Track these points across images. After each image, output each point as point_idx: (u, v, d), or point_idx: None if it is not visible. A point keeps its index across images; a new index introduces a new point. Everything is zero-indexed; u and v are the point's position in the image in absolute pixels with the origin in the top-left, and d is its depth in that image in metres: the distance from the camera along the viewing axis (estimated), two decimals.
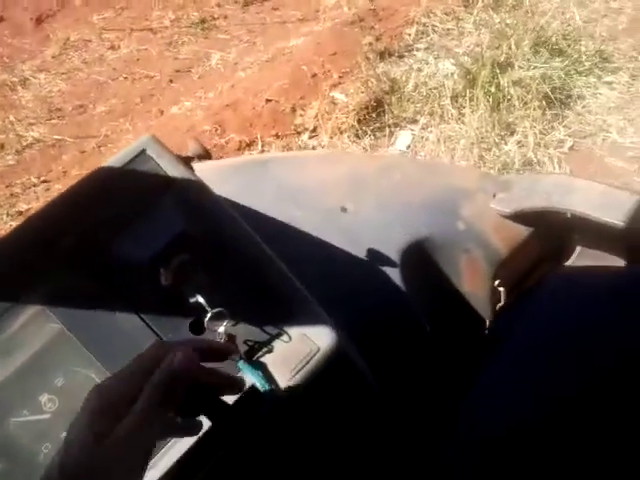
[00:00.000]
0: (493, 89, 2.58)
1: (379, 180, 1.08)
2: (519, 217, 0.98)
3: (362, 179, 1.08)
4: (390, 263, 0.96)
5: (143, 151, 0.74)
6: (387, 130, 2.67)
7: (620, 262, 0.97)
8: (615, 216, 0.85)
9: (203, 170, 0.87)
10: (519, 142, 2.47)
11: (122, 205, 0.72)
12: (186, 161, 0.79)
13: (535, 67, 2.64)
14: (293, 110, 2.84)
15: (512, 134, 2.50)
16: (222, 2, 3.97)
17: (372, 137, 2.66)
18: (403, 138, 2.64)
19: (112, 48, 3.71)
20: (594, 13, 3.04)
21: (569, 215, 0.91)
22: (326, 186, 1.06)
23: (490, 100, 2.57)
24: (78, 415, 0.52)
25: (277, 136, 2.77)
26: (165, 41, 3.71)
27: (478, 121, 2.51)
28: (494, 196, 1.01)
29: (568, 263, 0.97)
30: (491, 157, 2.43)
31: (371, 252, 0.96)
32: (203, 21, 3.79)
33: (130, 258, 0.69)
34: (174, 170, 0.74)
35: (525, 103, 2.54)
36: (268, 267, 0.73)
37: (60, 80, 3.46)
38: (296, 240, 0.97)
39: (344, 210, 1.03)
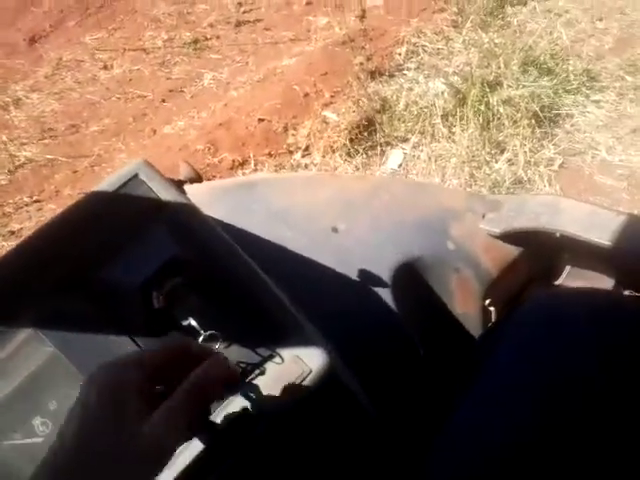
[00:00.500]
0: (483, 108, 2.61)
1: (369, 201, 1.08)
2: (508, 237, 0.99)
3: (352, 200, 1.08)
4: (382, 283, 0.96)
5: (136, 175, 0.75)
6: (379, 149, 2.70)
7: (609, 281, 0.98)
8: (602, 236, 0.86)
9: (194, 193, 0.88)
10: (509, 160, 2.50)
11: (115, 229, 0.72)
12: (178, 184, 0.80)
13: (524, 86, 2.68)
14: (285, 129, 2.87)
15: (502, 152, 2.53)
16: (214, 23, 4.01)
17: (364, 156, 2.68)
18: (395, 157, 2.66)
19: (105, 68, 3.73)
20: (581, 33, 3.09)
21: (558, 235, 0.92)
22: (317, 207, 1.07)
23: (480, 119, 2.60)
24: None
25: (270, 155, 2.79)
26: (158, 61, 3.73)
27: (468, 139, 2.54)
28: (483, 216, 1.02)
29: (557, 282, 0.98)
30: (482, 175, 2.45)
31: (363, 272, 0.96)
32: (196, 41, 3.83)
33: (123, 282, 0.70)
34: (166, 194, 0.74)
35: (515, 122, 2.57)
36: (260, 289, 0.73)
37: (53, 100, 3.47)
38: (287, 261, 0.97)
39: (335, 230, 1.02)
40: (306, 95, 3.06)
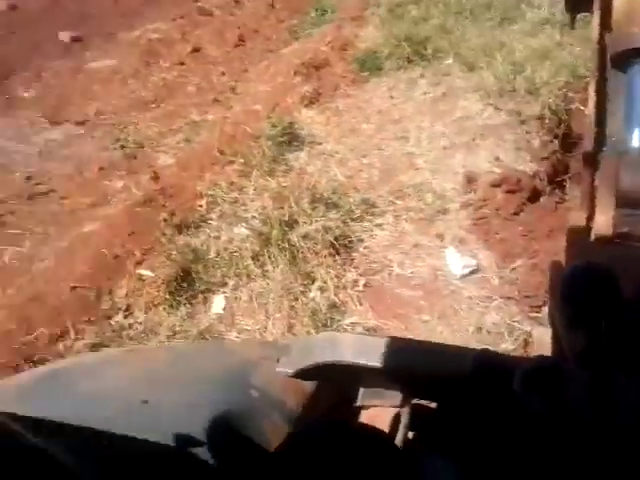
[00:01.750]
0: (286, 245, 2.85)
1: (174, 369, 1.16)
2: (302, 375, 1.11)
3: (158, 370, 1.16)
4: (198, 443, 1.00)
5: None
6: (200, 296, 2.79)
7: (398, 395, 1.13)
8: (370, 359, 1.04)
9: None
10: (321, 288, 2.72)
11: None
12: None
13: (316, 220, 2.99)
14: (100, 294, 2.84)
15: (313, 282, 2.75)
16: (5, 198, 3.84)
17: (187, 305, 2.75)
18: (218, 302, 2.77)
19: None
20: (352, 170, 3.57)
21: (340, 365, 1.07)
22: (124, 384, 1.11)
23: (286, 255, 2.83)
24: None
25: (89, 321, 2.73)
26: None
27: (281, 274, 2.73)
28: (278, 360, 1.14)
29: (357, 404, 1.11)
30: (300, 306, 2.63)
31: (177, 437, 1.00)
32: None
33: None
34: None
35: (316, 253, 2.83)
36: None
37: None
38: (107, 440, 0.98)
39: (146, 402, 1.05)
40: (116, 257, 3.08)
